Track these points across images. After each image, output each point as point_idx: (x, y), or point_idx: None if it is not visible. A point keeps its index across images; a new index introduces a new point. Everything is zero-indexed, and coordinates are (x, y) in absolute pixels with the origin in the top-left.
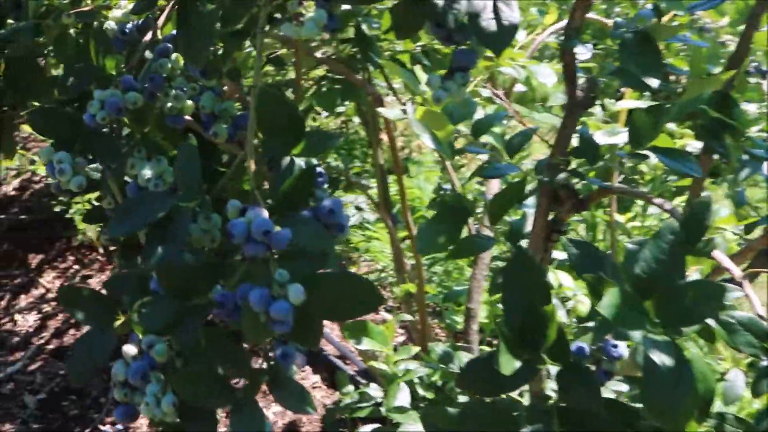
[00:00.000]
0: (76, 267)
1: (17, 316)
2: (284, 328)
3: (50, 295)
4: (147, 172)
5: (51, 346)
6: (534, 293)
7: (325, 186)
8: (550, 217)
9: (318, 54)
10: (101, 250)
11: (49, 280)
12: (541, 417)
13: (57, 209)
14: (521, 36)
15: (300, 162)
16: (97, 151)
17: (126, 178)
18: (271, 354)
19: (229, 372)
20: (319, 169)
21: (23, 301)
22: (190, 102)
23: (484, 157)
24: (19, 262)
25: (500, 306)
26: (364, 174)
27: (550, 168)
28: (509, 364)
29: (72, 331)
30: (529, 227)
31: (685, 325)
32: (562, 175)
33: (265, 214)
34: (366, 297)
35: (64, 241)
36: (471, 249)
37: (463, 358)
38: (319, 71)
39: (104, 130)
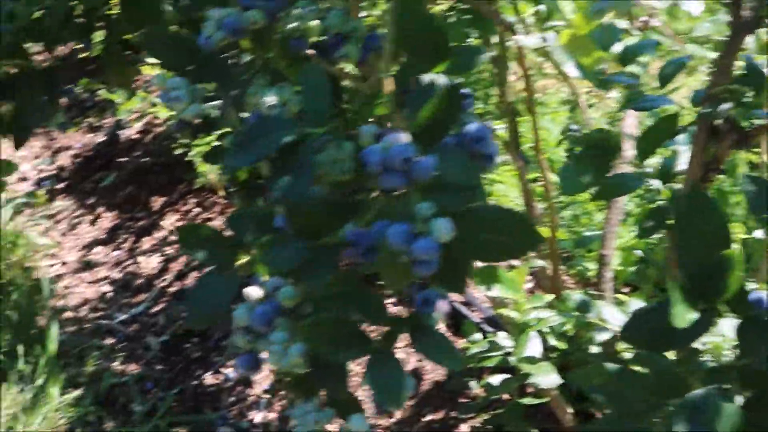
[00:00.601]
0: (198, 210)
1: (140, 258)
2: (429, 268)
3: (172, 238)
4: (270, 99)
5: (173, 289)
6: (714, 237)
7: (471, 109)
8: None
9: None
10: (222, 193)
11: (171, 223)
12: (719, 377)
13: (178, 152)
14: None
15: (442, 81)
16: (215, 78)
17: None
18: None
19: (364, 319)
20: (464, 90)
21: (146, 243)
22: (314, 22)
23: (615, 94)
24: (142, 205)
25: (644, 252)
26: (487, 116)
27: (708, 99)
28: (684, 316)
29: (194, 274)
30: (681, 165)
31: None
32: (723, 107)
33: (405, 138)
34: (522, 235)
35: (185, 184)
36: (618, 189)
37: (602, 307)
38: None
39: (222, 55)
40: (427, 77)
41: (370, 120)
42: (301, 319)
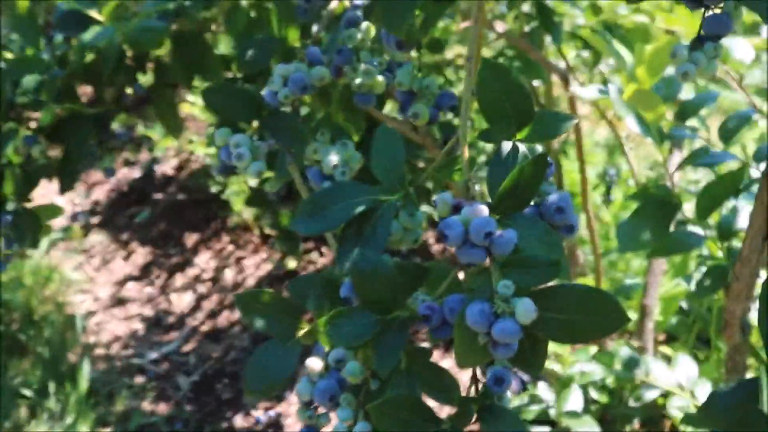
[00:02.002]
0: (231, 248)
1: (173, 296)
2: (508, 352)
3: (205, 276)
4: (333, 158)
5: (205, 328)
6: None
7: (551, 178)
8: None
9: (497, 28)
10: (256, 232)
11: (204, 260)
12: None
13: (213, 189)
14: None
15: (523, 149)
16: (278, 134)
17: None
18: (480, 377)
19: (435, 399)
20: (549, 159)
21: (179, 280)
22: (380, 78)
23: (650, 140)
24: (175, 241)
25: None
26: None
27: None
28: None
29: (225, 313)
30: (740, 223)
31: None
32: None
33: (485, 211)
34: (607, 315)
35: (219, 221)
36: (678, 247)
37: (650, 363)
38: (488, 50)
39: (285, 109)
40: (507, 145)
41: (443, 187)
42: (366, 396)
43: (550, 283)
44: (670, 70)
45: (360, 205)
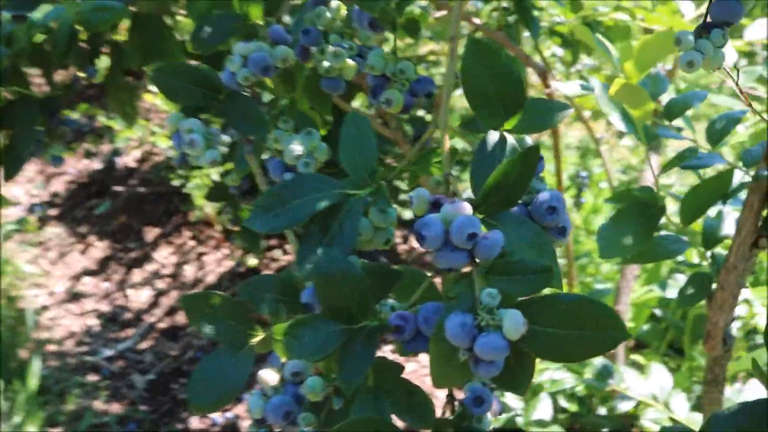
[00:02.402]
0: (192, 243)
1: (130, 291)
2: (492, 370)
3: (164, 271)
4: (297, 148)
5: (163, 325)
6: None
7: (542, 174)
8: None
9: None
10: (218, 227)
11: (164, 256)
12: None
13: (175, 183)
14: None
15: (511, 140)
16: (236, 119)
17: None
18: (455, 395)
19: (406, 420)
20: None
21: (137, 276)
22: (351, 61)
23: (628, 141)
24: (135, 235)
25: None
26: None
27: (767, 159)
28: None
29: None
30: (725, 230)
31: None
32: None
33: (469, 209)
34: (606, 329)
35: (180, 215)
36: (660, 253)
37: (624, 373)
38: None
39: (245, 93)
40: (493, 135)
41: (416, 183)
42: (327, 416)
43: (541, 293)
44: (656, 68)
45: (325, 200)
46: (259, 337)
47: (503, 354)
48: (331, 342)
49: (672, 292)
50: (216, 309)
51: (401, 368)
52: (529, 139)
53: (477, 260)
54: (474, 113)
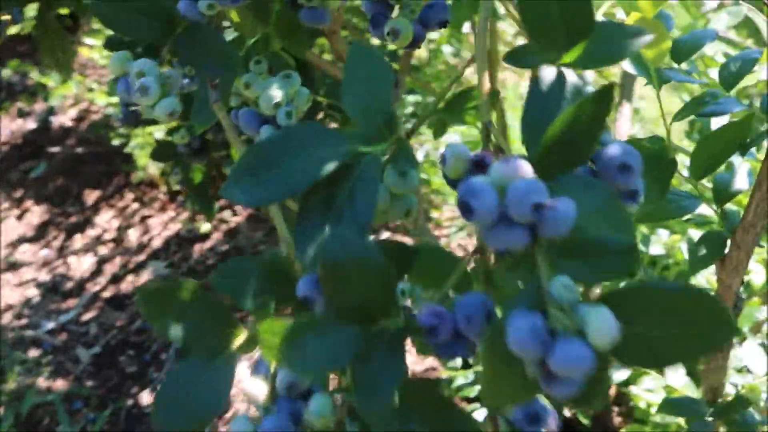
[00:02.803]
0: (135, 206)
1: (71, 258)
2: (570, 389)
3: (107, 236)
4: (275, 93)
5: (107, 294)
6: None
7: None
8: None
9: None
10: (163, 188)
11: (106, 220)
12: None
13: (116, 142)
14: None
15: (573, 77)
16: (199, 58)
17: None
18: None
19: None
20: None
21: (78, 241)
22: None
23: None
24: (74, 198)
25: None
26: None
27: None
28: None
29: (129, 278)
30: (737, 184)
31: None
32: None
33: (528, 170)
34: (712, 324)
35: (122, 176)
36: (673, 211)
37: None
38: None
39: (208, 26)
40: (549, 71)
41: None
42: None
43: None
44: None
45: (331, 160)
46: (241, 337)
47: (589, 367)
48: (344, 351)
49: (656, 249)
50: (185, 304)
51: (437, 384)
52: (590, 76)
53: (540, 239)
54: (531, 40)
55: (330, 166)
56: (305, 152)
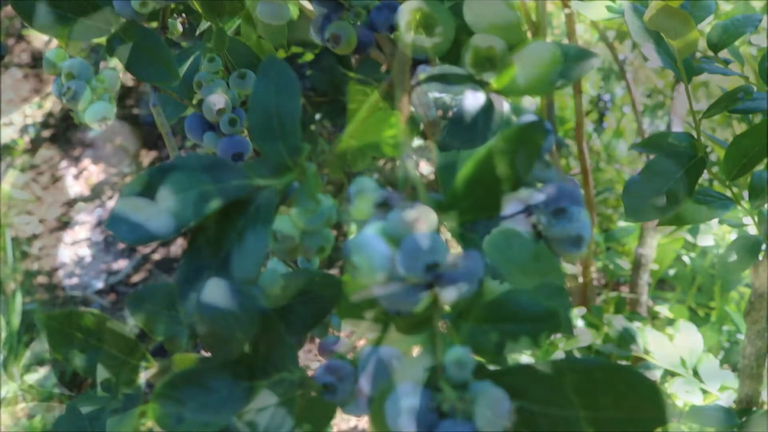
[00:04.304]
0: None
1: None
2: None
3: None
4: (216, 99)
5: (157, 256)
6: None
7: (546, 156)
8: None
9: None
10: None
11: None
12: None
13: None
14: None
15: (501, 104)
16: (133, 62)
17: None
18: None
19: None
20: (547, 124)
21: None
22: None
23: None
24: (131, 159)
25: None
26: None
27: None
28: None
29: (179, 241)
30: None
31: None
32: None
33: (429, 218)
34: (646, 409)
35: (178, 138)
36: (701, 214)
37: (649, 337)
38: None
39: (144, 25)
40: (474, 98)
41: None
42: None
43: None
44: None
45: (215, 197)
46: (151, 370)
47: None
48: (229, 408)
49: (705, 240)
50: (90, 333)
51: None
52: (531, 102)
53: (442, 300)
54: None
55: (215, 204)
56: (193, 186)
